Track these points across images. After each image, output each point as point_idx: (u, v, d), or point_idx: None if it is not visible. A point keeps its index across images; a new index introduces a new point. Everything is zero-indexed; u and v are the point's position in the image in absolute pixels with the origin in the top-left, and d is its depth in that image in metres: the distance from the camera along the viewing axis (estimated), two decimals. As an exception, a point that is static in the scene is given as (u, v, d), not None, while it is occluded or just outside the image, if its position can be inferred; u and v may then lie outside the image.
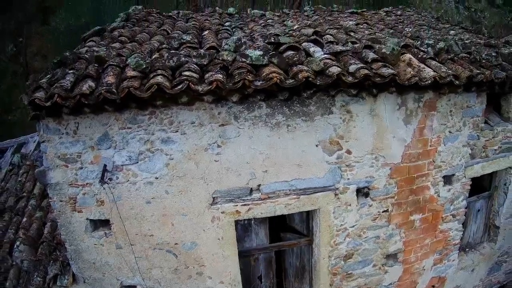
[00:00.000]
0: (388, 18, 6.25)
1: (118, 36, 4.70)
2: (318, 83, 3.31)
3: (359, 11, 6.65)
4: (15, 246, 4.46)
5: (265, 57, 3.38)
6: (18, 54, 12.59)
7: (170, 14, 6.14)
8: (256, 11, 6.16)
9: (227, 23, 5.55)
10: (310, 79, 3.26)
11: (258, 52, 3.39)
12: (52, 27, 10.69)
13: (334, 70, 3.34)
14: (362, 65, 3.46)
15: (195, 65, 3.33)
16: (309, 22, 5.58)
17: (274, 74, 3.21)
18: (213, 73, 3.25)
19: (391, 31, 5.56)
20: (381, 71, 3.48)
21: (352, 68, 3.44)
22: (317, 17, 6.11)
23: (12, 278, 4.16)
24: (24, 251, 4.44)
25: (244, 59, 3.37)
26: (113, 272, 3.93)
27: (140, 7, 6.22)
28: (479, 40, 5.31)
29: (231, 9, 6.25)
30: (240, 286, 4.19)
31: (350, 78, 3.38)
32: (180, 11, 6.27)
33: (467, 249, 5.22)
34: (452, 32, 5.66)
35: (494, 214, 5.20)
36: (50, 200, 3.83)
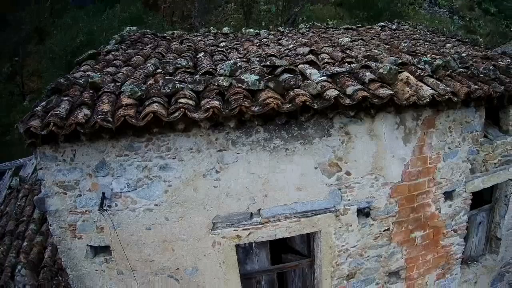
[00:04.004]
0: (383, 33, 6.25)
1: (112, 60, 4.69)
2: (315, 107, 3.30)
3: (353, 27, 6.66)
4: (16, 270, 4.48)
5: (262, 82, 3.37)
6: (15, 74, 12.59)
7: (164, 35, 6.14)
8: (251, 30, 6.15)
9: (222, 44, 5.55)
10: (308, 103, 3.25)
11: (254, 77, 3.38)
12: (48, 48, 10.73)
13: (332, 93, 3.33)
14: (359, 86, 3.45)
15: (190, 92, 3.31)
16: (304, 40, 5.59)
17: (271, 100, 3.20)
18: (209, 99, 3.23)
19: (387, 46, 5.57)
20: (379, 92, 3.47)
21: (349, 90, 3.42)
22: (312, 34, 6.12)
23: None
24: (26, 276, 4.44)
25: (240, 84, 3.36)
26: (115, 299, 3.87)
27: (134, 28, 6.23)
28: (475, 53, 5.31)
29: (225, 29, 6.24)
30: (243, 309, 4.14)
31: (347, 101, 3.36)
32: (175, 31, 6.27)
33: (469, 262, 5.18)
34: (448, 45, 5.67)
35: (496, 226, 5.17)
36: (50, 226, 3.80)
